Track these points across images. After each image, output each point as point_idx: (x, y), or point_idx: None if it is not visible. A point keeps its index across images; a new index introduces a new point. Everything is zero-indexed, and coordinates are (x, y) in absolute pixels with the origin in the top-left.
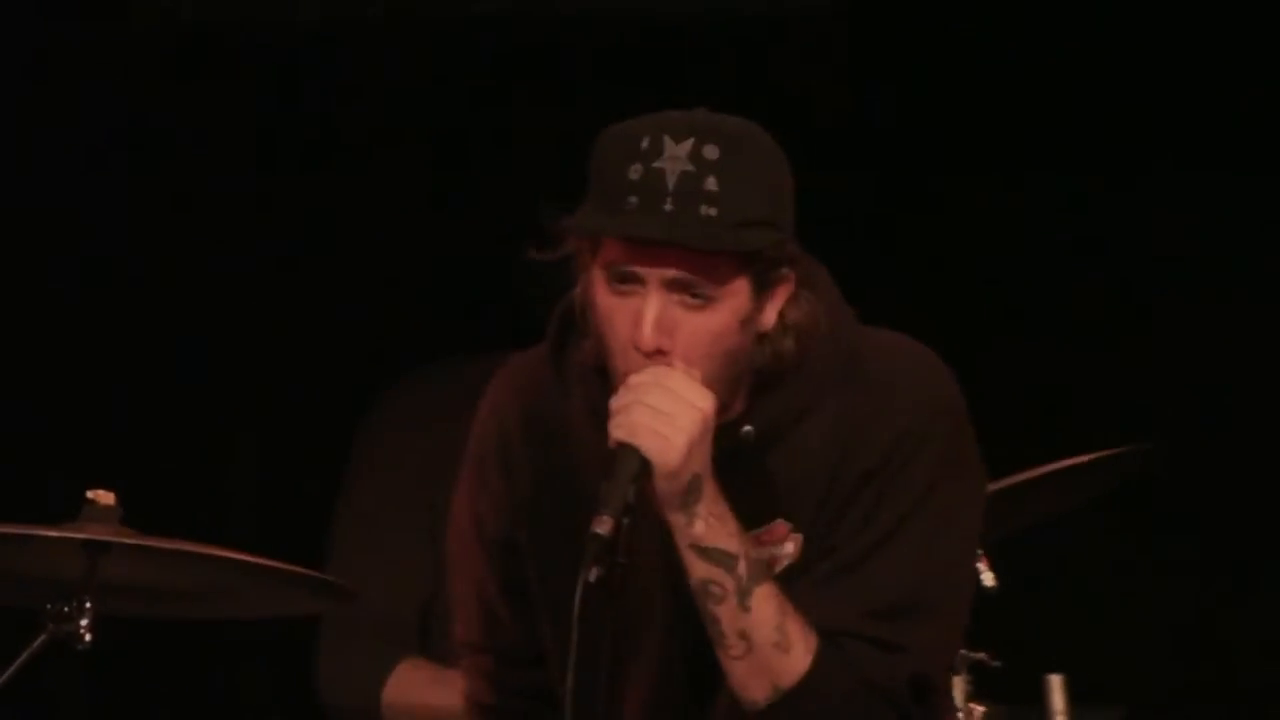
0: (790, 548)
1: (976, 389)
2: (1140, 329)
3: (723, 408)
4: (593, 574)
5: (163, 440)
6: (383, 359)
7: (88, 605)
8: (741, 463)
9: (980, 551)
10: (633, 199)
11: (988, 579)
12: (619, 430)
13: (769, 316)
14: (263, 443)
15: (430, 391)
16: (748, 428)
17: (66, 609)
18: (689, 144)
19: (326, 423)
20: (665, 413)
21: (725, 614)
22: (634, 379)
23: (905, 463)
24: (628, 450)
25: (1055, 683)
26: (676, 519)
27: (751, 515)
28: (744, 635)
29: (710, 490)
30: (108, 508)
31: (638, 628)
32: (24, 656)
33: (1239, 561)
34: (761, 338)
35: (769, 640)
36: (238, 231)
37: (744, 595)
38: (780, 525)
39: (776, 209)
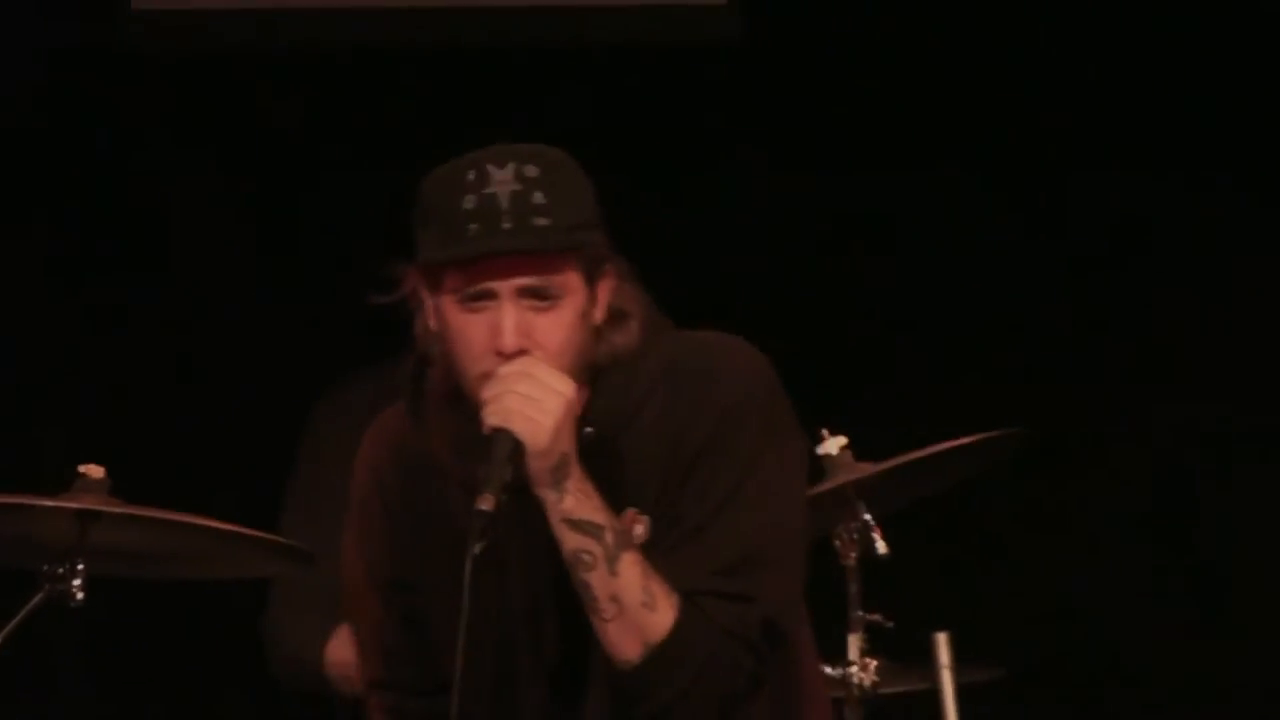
0: (640, 530)
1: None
2: (1016, 330)
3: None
4: (478, 548)
5: (147, 420)
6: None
7: (80, 567)
8: (585, 460)
9: (874, 522)
10: (473, 225)
11: (881, 547)
12: (492, 417)
13: (600, 309)
14: (237, 423)
15: (365, 389)
16: (588, 429)
17: (61, 571)
18: (511, 168)
19: (296, 406)
20: (533, 398)
21: (597, 580)
22: (503, 370)
23: (731, 436)
24: (502, 434)
25: (942, 640)
26: (548, 495)
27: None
28: (615, 598)
29: (576, 468)
30: (98, 480)
31: (517, 607)
32: (23, 613)
33: (1114, 534)
34: (597, 332)
35: (637, 600)
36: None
37: (612, 561)
38: (629, 513)
39: (594, 213)
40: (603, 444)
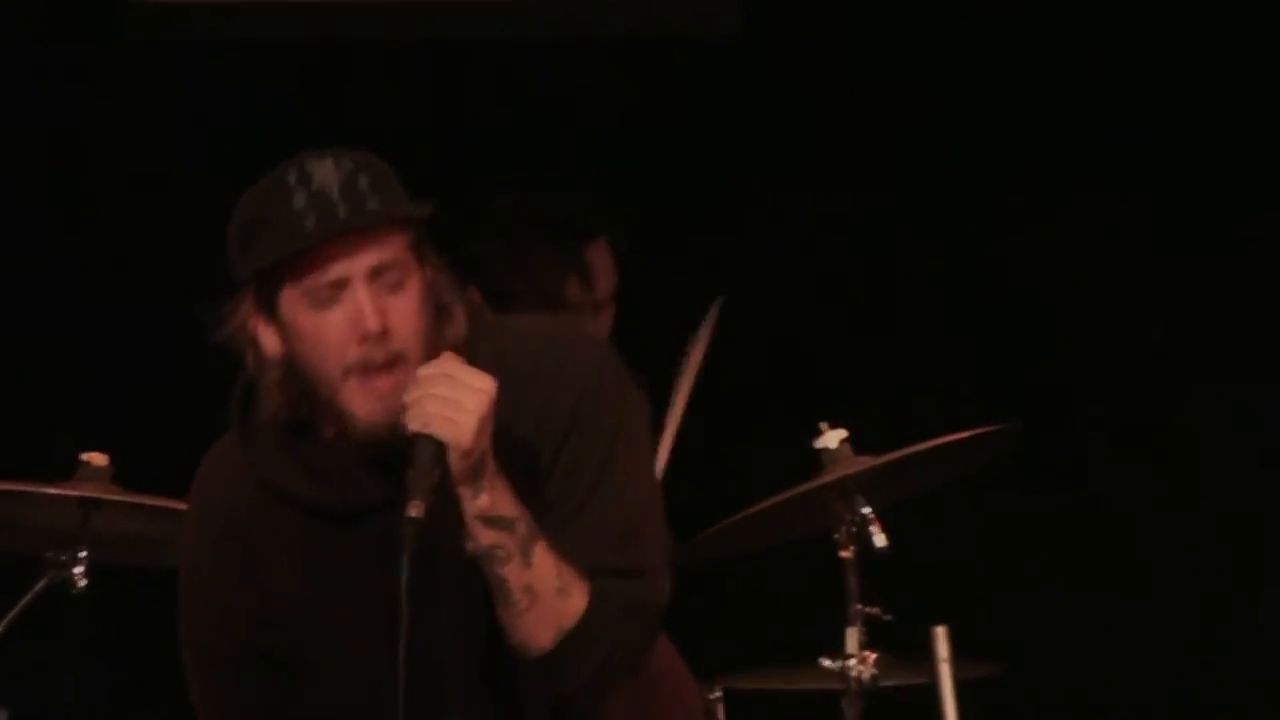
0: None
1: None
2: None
3: None
4: (406, 561)
5: (150, 407)
6: None
7: (82, 555)
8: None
9: (872, 515)
10: (310, 219)
11: (880, 540)
12: (414, 422)
13: (438, 293)
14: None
15: None
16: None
17: (63, 558)
18: (329, 162)
19: None
20: (452, 399)
21: (511, 573)
22: (421, 372)
23: (591, 414)
24: (424, 439)
25: (940, 634)
26: (465, 493)
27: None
28: (529, 589)
29: (491, 464)
30: (100, 468)
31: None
32: (27, 598)
33: (1113, 529)
34: (436, 321)
35: (552, 589)
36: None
37: (526, 553)
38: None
39: (410, 201)
40: None
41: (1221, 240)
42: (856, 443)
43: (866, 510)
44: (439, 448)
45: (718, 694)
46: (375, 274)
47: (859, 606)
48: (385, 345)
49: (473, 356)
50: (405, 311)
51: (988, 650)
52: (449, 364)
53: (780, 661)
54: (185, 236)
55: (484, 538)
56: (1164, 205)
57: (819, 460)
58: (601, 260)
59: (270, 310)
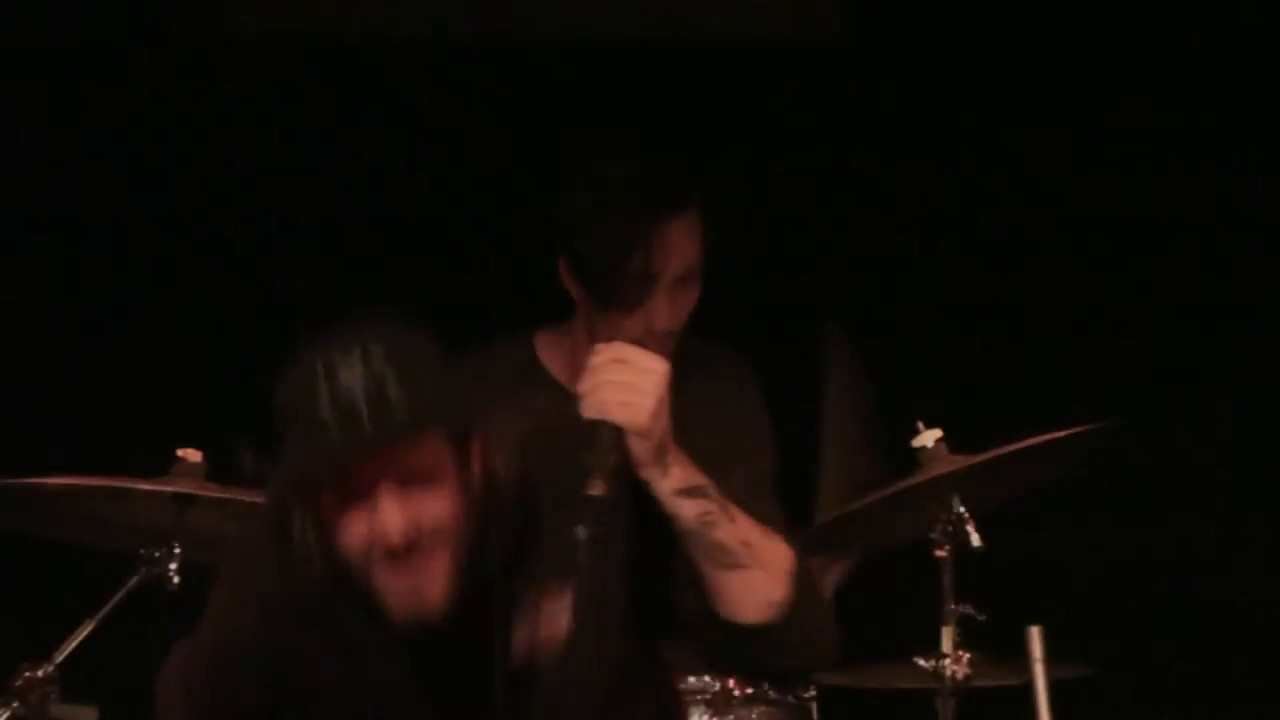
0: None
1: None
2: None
3: None
4: (584, 534)
5: (243, 406)
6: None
7: (176, 550)
8: None
9: (968, 515)
10: (334, 432)
11: (975, 540)
12: (590, 410)
13: (475, 470)
14: None
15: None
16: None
17: (157, 554)
18: (356, 362)
19: None
20: (628, 383)
21: (724, 533)
22: (593, 360)
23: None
24: (603, 425)
25: (1035, 634)
26: (654, 474)
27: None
28: (745, 542)
29: (671, 440)
30: (195, 464)
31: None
32: (119, 595)
33: (1209, 529)
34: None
35: (759, 534)
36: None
37: (726, 509)
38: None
39: (447, 384)
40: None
41: None
42: (952, 441)
43: (961, 510)
44: (618, 432)
45: (812, 692)
46: (405, 480)
47: (954, 606)
48: (414, 549)
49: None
50: (439, 512)
51: (1082, 651)
52: (622, 349)
53: (874, 659)
54: (285, 240)
55: (689, 510)
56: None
57: (915, 459)
58: (680, 234)
59: (308, 501)
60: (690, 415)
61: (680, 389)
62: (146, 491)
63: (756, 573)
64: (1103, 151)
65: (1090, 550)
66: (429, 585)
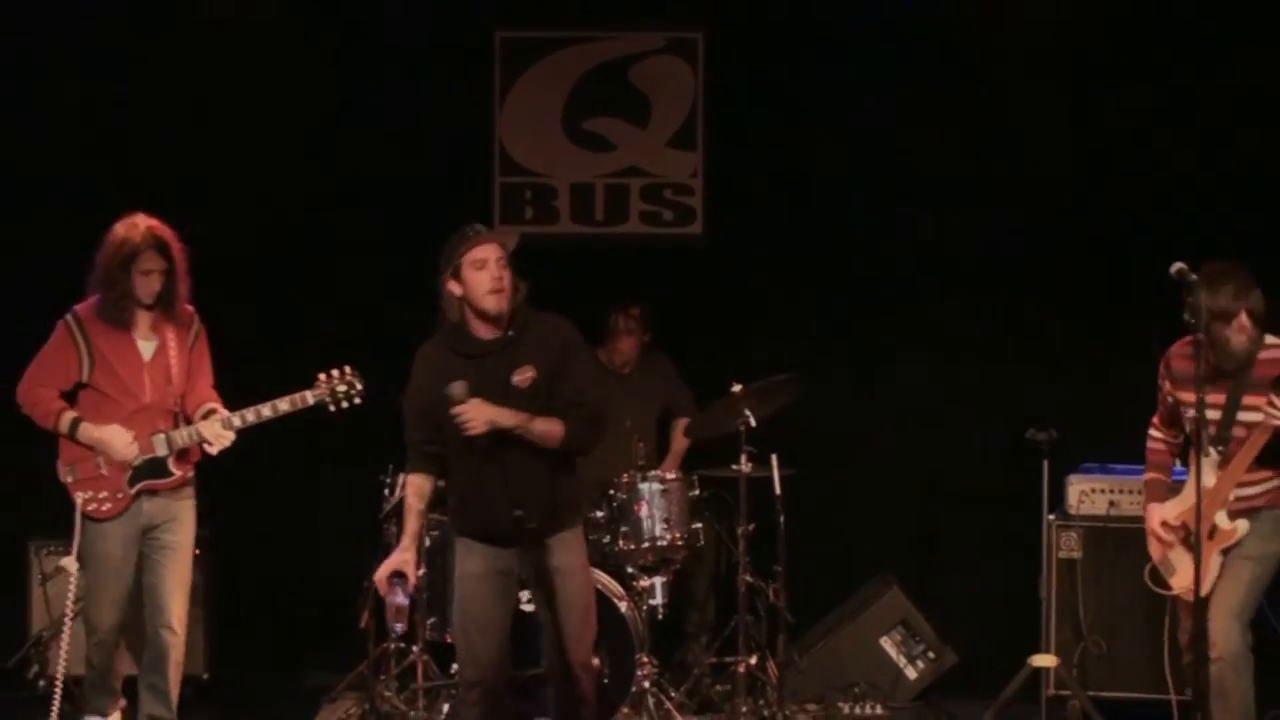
0: (530, 374)
1: None
2: None
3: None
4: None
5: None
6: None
7: None
8: (510, 345)
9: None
10: (474, 233)
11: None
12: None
13: (515, 275)
14: None
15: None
16: (510, 332)
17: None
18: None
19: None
20: (472, 420)
21: (533, 434)
22: (455, 411)
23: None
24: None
25: None
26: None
27: (515, 362)
28: (541, 433)
29: (500, 419)
30: None
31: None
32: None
33: None
34: (514, 294)
35: (544, 425)
36: None
37: (530, 426)
38: (528, 366)
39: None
40: (516, 339)
41: None
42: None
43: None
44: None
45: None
46: (499, 260)
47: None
48: (501, 287)
49: (521, 313)
50: (509, 278)
51: None
52: (473, 408)
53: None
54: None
55: (518, 430)
56: None
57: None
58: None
59: (457, 274)
60: (532, 351)
61: (522, 335)
62: None
63: (549, 440)
64: None
65: None
66: (503, 298)
